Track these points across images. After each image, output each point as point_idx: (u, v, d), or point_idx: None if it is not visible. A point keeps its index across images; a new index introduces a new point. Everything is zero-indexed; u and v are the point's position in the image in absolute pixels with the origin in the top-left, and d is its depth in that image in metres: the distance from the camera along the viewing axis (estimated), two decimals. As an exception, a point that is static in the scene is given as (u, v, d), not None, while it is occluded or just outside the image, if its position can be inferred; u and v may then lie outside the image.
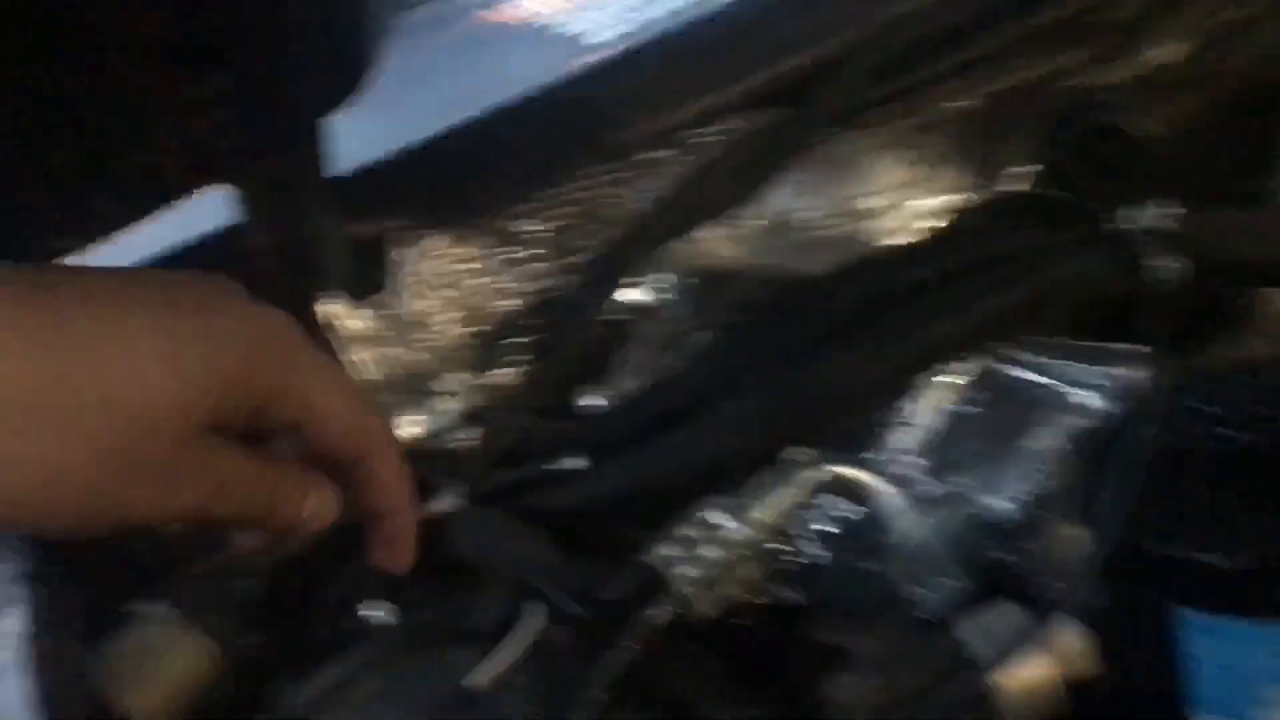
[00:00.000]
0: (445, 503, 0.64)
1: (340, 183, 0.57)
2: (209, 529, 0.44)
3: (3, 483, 0.35)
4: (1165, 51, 0.82)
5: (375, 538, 0.46)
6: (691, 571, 0.46)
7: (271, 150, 0.52)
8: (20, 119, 0.44)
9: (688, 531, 0.47)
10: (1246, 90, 0.88)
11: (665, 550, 0.46)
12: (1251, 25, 0.85)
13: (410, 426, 0.68)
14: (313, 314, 0.65)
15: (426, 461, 0.67)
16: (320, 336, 0.65)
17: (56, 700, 0.52)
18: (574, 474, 0.60)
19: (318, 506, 0.42)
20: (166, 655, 0.57)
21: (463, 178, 0.66)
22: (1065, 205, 0.61)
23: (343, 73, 0.52)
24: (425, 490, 0.65)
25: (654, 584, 0.45)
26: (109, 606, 0.58)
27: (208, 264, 0.63)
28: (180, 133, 0.49)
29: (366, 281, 0.58)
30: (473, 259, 0.70)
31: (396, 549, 0.46)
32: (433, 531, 0.61)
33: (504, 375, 0.71)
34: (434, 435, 0.69)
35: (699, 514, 0.47)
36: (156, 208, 0.51)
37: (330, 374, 0.42)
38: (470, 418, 0.69)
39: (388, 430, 0.45)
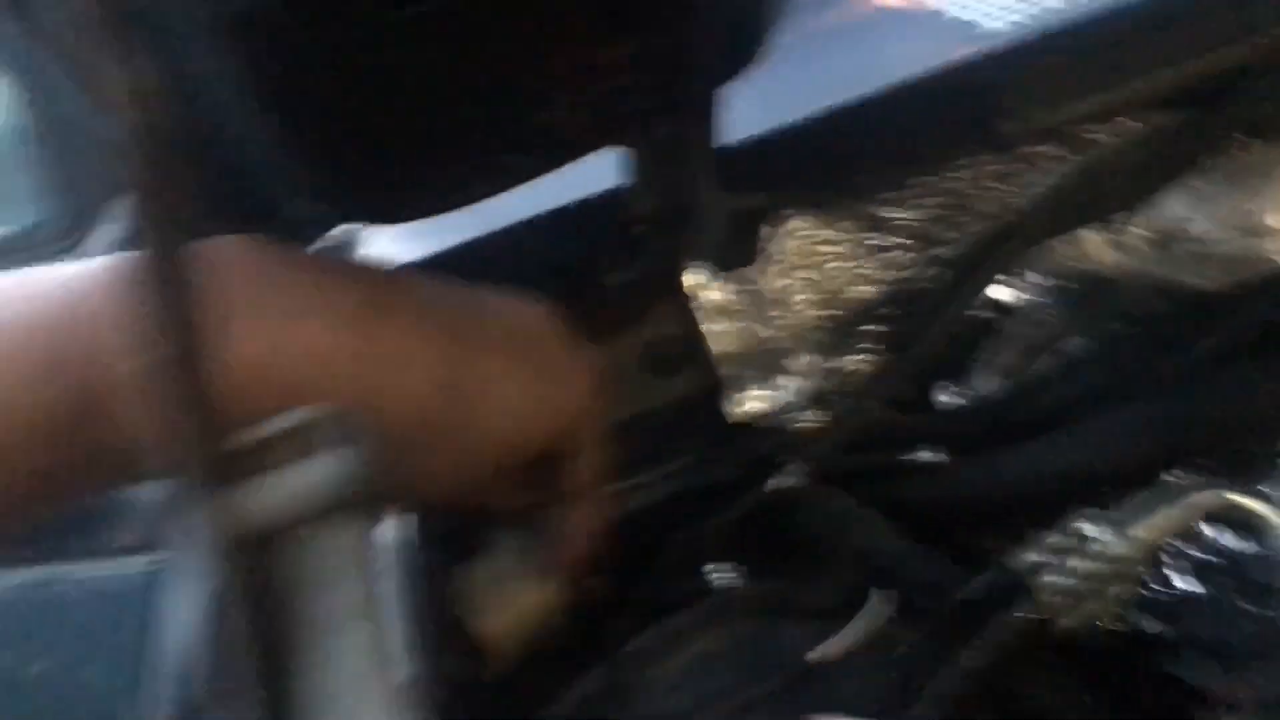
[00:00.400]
0: (789, 479, 0.64)
1: (723, 154, 0.58)
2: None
3: (407, 482, 0.45)
4: None
5: (557, 524, 0.54)
6: (1059, 581, 0.43)
7: (666, 116, 0.54)
8: (443, 78, 0.48)
9: (1058, 540, 0.44)
10: None
11: (1032, 556, 0.44)
12: None
13: (756, 402, 0.69)
14: (679, 283, 0.66)
15: (771, 437, 0.68)
16: (685, 305, 0.67)
17: (423, 613, 0.56)
18: (928, 468, 0.58)
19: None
20: (516, 586, 0.59)
21: (841, 159, 0.66)
22: None
23: (740, 44, 0.53)
24: (768, 465, 0.66)
25: (1016, 589, 0.43)
26: (466, 533, 0.62)
27: (591, 222, 0.66)
28: (584, 95, 0.51)
29: (736, 254, 0.59)
30: (836, 242, 0.70)
31: (576, 534, 0.54)
32: (777, 506, 0.62)
33: (856, 361, 0.70)
34: (780, 413, 0.69)
35: (1072, 523, 0.45)
36: (556, 165, 0.54)
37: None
38: (818, 400, 0.69)
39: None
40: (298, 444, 0.25)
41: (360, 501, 0.24)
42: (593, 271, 0.67)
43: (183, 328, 0.25)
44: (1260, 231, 0.74)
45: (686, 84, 0.52)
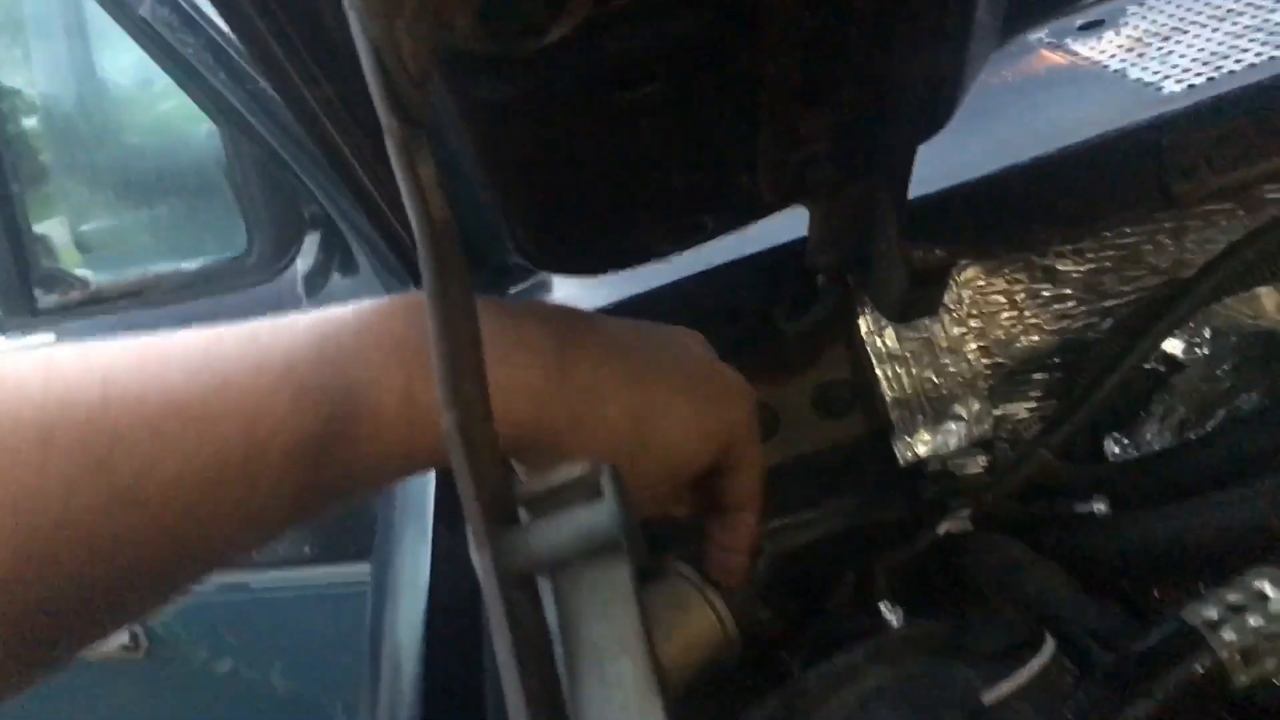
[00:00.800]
0: (954, 523, 0.66)
1: (907, 209, 0.61)
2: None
3: None
4: None
5: (718, 537, 0.58)
6: (1236, 638, 0.45)
7: (859, 178, 0.57)
8: (654, 151, 0.52)
9: (1237, 597, 0.46)
10: None
11: (1210, 612, 0.46)
12: None
13: (925, 446, 0.72)
14: (855, 328, 0.69)
15: (939, 481, 0.71)
16: (859, 350, 0.70)
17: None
18: (1096, 518, 0.60)
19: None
20: (690, 612, 0.63)
21: (1014, 213, 0.68)
22: None
23: (935, 109, 0.56)
24: (936, 509, 0.68)
25: (1191, 642, 0.45)
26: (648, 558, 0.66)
27: (770, 272, 0.70)
28: (784, 162, 0.55)
29: (917, 306, 0.62)
30: (1009, 293, 0.72)
31: (736, 545, 0.58)
32: (949, 548, 0.64)
33: (1025, 409, 0.72)
34: (946, 458, 0.72)
35: (1252, 581, 0.46)
36: (750, 222, 0.58)
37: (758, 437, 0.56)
38: (986, 446, 0.71)
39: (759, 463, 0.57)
40: (575, 491, 0.29)
41: (626, 543, 0.28)
42: (769, 319, 0.70)
43: (479, 382, 0.30)
44: None
45: (881, 149, 0.55)
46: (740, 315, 0.71)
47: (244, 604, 1.34)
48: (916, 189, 0.66)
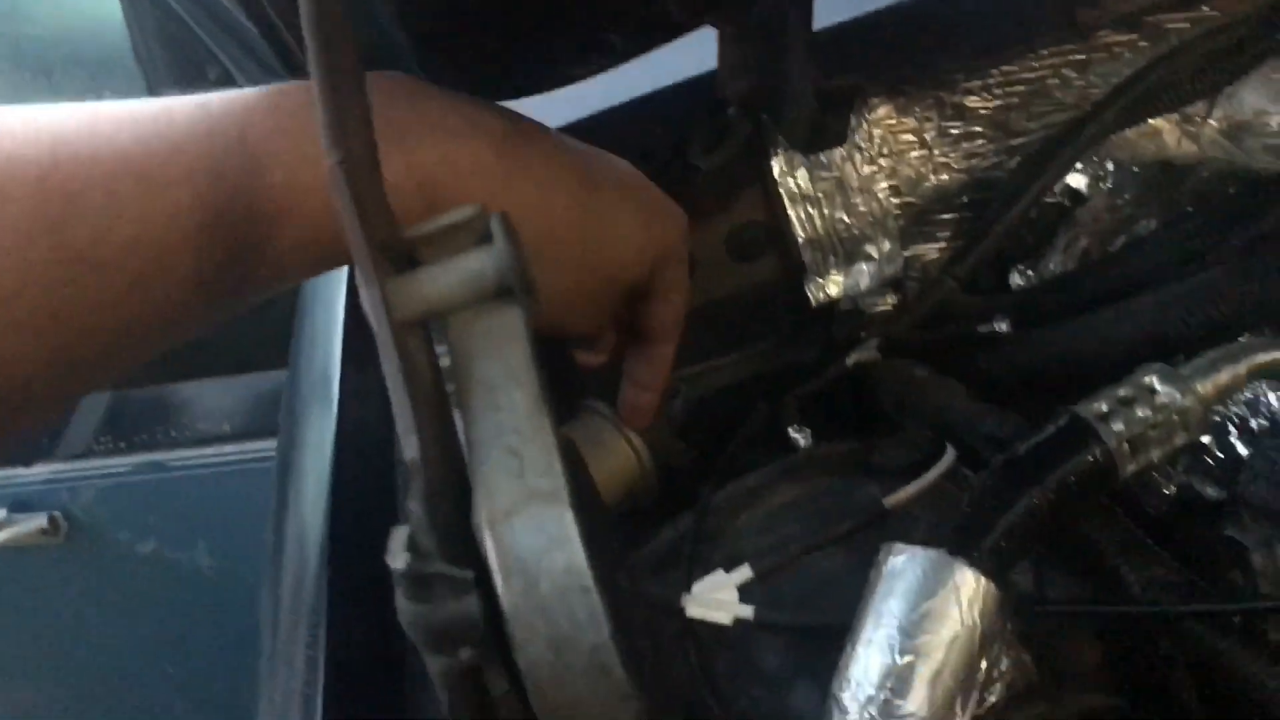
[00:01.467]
0: (862, 354, 0.67)
1: (816, 36, 0.61)
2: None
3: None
4: None
5: (635, 372, 0.60)
6: (1124, 429, 0.46)
7: (764, -3, 0.56)
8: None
9: (1124, 390, 0.47)
10: None
11: (1098, 405, 0.47)
12: None
13: (834, 286, 0.72)
14: (767, 169, 0.69)
15: (850, 319, 0.72)
16: (771, 192, 0.70)
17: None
18: (999, 338, 0.61)
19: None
20: (607, 448, 0.64)
21: (921, 47, 0.68)
22: None
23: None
24: (846, 342, 0.69)
25: (1083, 434, 0.46)
26: (566, 398, 0.66)
27: (682, 107, 0.69)
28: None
29: (826, 136, 0.62)
30: (918, 131, 0.72)
31: (652, 382, 0.60)
32: (856, 378, 0.65)
33: (935, 249, 0.73)
34: (856, 296, 0.72)
35: (1140, 377, 0.47)
36: (658, 44, 0.57)
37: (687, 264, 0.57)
38: (897, 285, 0.72)
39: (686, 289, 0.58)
40: (461, 237, 0.29)
41: (517, 286, 0.28)
42: (682, 155, 0.70)
43: (363, 129, 0.30)
44: (1340, 125, 0.75)
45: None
46: (652, 153, 0.70)
47: (165, 483, 1.33)
48: (824, 19, 0.66)
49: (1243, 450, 0.57)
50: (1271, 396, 0.55)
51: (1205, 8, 0.67)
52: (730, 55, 0.60)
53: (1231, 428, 0.57)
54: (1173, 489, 0.54)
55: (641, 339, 0.58)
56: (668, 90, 0.69)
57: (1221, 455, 0.58)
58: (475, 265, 0.29)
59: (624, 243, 0.52)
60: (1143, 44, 0.68)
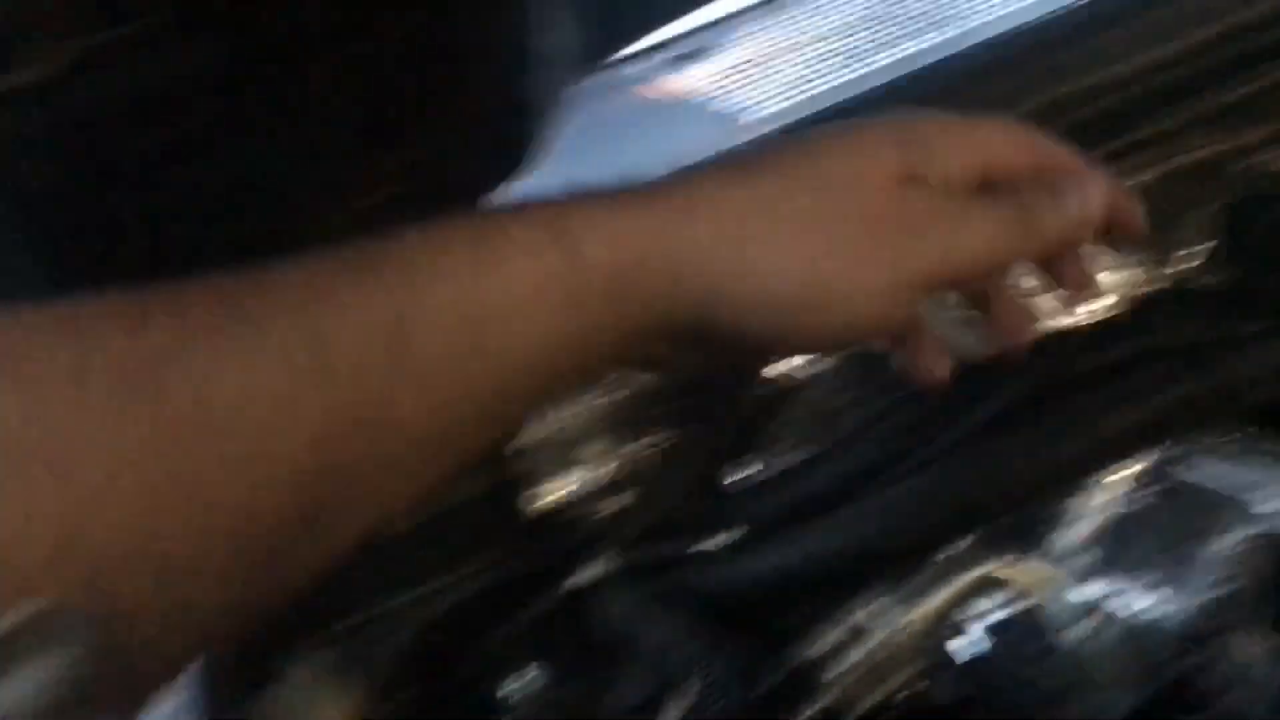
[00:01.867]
0: (590, 573, 0.64)
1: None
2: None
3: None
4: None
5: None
6: (847, 669, 0.44)
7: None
8: (217, 190, 0.46)
9: (844, 628, 0.45)
10: None
11: (821, 646, 0.45)
12: None
13: (551, 494, 0.69)
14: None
15: (569, 530, 0.68)
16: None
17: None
18: (724, 552, 0.59)
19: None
20: (313, 709, 0.57)
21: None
22: (1248, 294, 0.58)
23: (512, 148, 0.53)
24: (568, 561, 0.65)
25: (809, 680, 0.44)
26: (263, 659, 0.59)
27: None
28: (351, 207, 0.50)
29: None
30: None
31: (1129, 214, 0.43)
32: (579, 603, 0.62)
33: (649, 445, 0.71)
34: (576, 503, 0.69)
35: (856, 610, 0.46)
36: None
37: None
38: (615, 487, 0.69)
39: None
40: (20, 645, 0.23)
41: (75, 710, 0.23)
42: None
43: None
44: (1022, 294, 0.78)
45: (457, 194, 0.52)
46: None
47: None
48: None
49: (967, 653, 0.57)
50: (985, 599, 0.55)
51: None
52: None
53: (952, 630, 0.57)
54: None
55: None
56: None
57: (941, 661, 0.57)
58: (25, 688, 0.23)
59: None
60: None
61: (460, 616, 0.66)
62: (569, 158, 0.69)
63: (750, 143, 0.45)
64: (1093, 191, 0.40)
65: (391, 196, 0.50)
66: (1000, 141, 0.41)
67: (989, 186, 0.40)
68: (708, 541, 0.60)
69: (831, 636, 0.46)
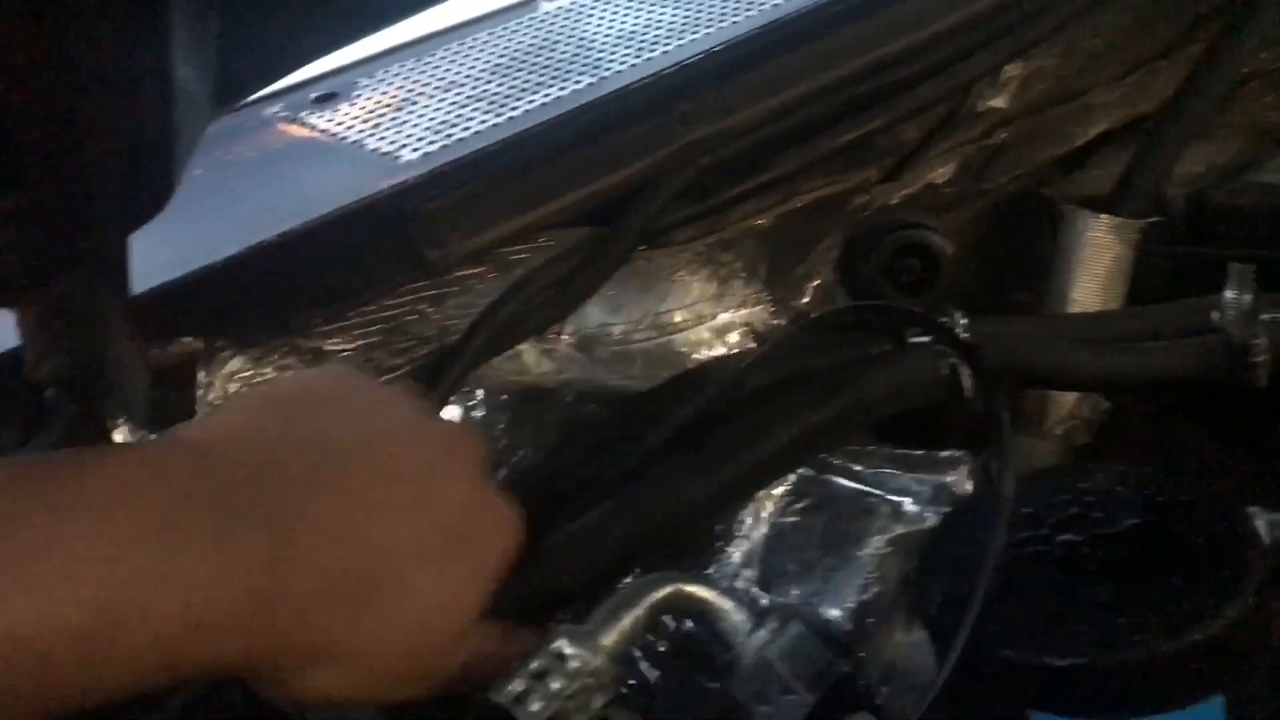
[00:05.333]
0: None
1: (138, 304, 0.54)
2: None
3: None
4: (938, 172, 0.89)
5: None
6: (540, 705, 0.44)
7: (65, 271, 0.48)
8: None
9: (537, 663, 0.45)
10: (1006, 206, 0.96)
11: (513, 686, 0.44)
12: (1007, 148, 0.93)
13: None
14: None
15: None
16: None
17: None
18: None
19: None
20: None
21: (270, 295, 0.63)
22: (876, 318, 0.64)
23: (145, 189, 0.49)
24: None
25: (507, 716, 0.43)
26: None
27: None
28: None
29: (168, 409, 0.54)
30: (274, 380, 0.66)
31: None
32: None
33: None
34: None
35: (549, 644, 0.45)
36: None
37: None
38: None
39: None
40: None
41: None
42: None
43: None
44: (666, 329, 0.82)
45: (83, 236, 0.47)
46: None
47: None
48: (157, 276, 0.59)
49: (650, 675, 0.58)
50: (669, 619, 0.57)
51: (542, 239, 0.70)
52: (34, 335, 0.51)
53: (639, 653, 0.58)
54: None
55: None
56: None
57: (634, 682, 0.58)
58: None
59: (426, 633, 0.43)
60: (491, 275, 0.69)
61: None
62: (204, 196, 0.65)
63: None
64: None
65: (4, 245, 0.45)
66: None
67: None
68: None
69: (522, 676, 0.44)
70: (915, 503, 0.56)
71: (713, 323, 0.84)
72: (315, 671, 0.40)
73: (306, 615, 0.39)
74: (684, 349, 0.83)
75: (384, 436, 0.44)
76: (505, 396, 0.69)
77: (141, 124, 0.45)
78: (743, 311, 0.85)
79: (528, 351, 0.74)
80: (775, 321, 0.86)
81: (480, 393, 0.70)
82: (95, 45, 0.40)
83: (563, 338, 0.77)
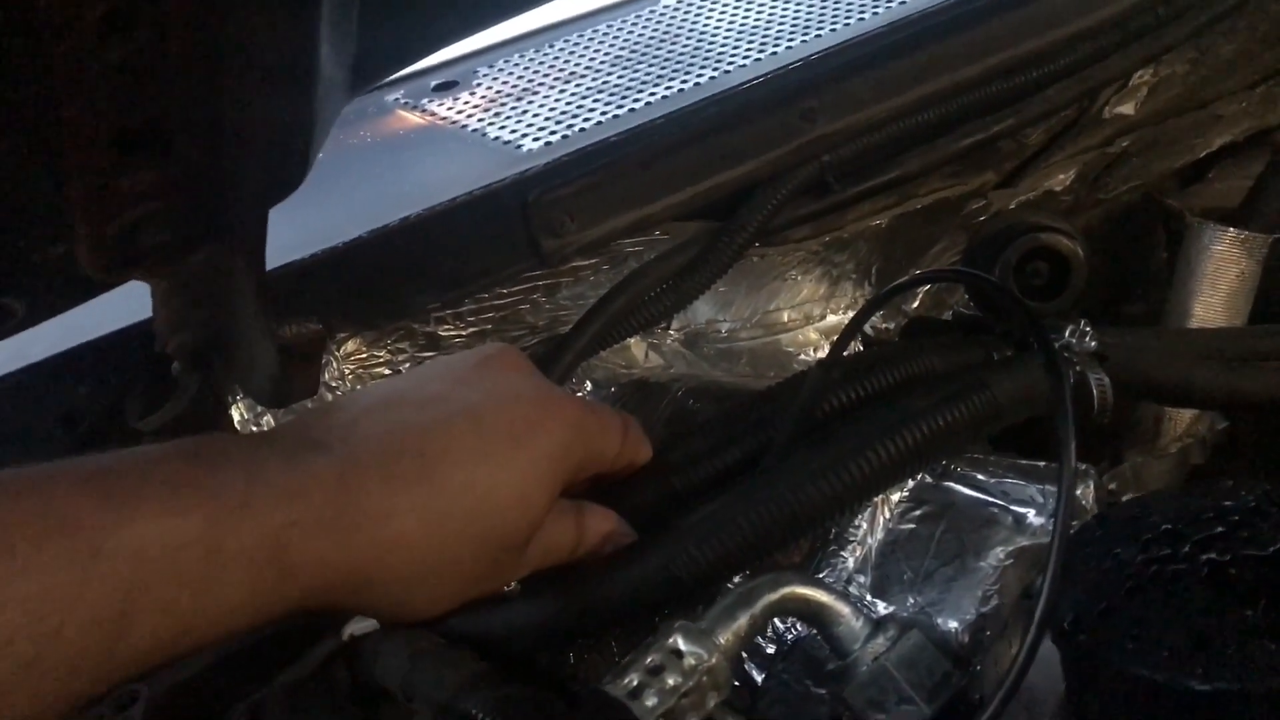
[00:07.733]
0: (361, 624, 0.60)
1: (267, 281, 0.54)
2: None
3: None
4: (1058, 178, 0.86)
5: None
6: (655, 701, 0.43)
7: (202, 245, 0.49)
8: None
9: (652, 658, 0.44)
10: (1120, 216, 0.94)
11: (628, 680, 0.44)
12: (1128, 157, 0.90)
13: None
14: (227, 421, 0.61)
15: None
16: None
17: None
18: (506, 596, 0.57)
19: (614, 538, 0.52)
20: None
21: (388, 279, 0.63)
22: (1000, 323, 0.62)
23: (283, 167, 0.49)
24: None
25: (615, 717, 0.42)
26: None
27: (113, 362, 0.59)
28: (105, 226, 0.45)
29: (293, 389, 0.54)
30: (388, 362, 0.67)
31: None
32: (348, 655, 0.57)
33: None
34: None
35: (665, 639, 0.45)
36: (74, 304, 0.48)
37: (614, 425, 0.52)
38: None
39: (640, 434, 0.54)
40: None
41: None
42: (118, 418, 0.59)
43: None
44: (774, 327, 0.81)
45: (224, 210, 0.47)
46: (78, 417, 0.59)
47: None
48: (280, 257, 0.59)
49: (757, 676, 0.57)
50: (778, 621, 0.56)
51: (660, 233, 0.69)
52: (166, 307, 0.51)
53: (744, 654, 0.57)
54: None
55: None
56: (98, 342, 0.58)
57: (738, 683, 0.57)
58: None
59: (502, 524, 0.47)
60: (605, 267, 0.69)
61: (220, 676, 0.60)
62: (334, 179, 0.66)
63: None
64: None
65: (148, 216, 0.46)
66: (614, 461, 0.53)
67: None
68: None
69: (637, 670, 0.44)
70: (1039, 514, 0.55)
71: (821, 324, 0.83)
72: (398, 576, 0.46)
73: (380, 513, 0.44)
74: (790, 349, 0.82)
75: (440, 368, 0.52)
76: (614, 389, 0.69)
77: (286, 105, 0.46)
78: (852, 314, 0.83)
79: (635, 345, 0.74)
80: (884, 325, 0.85)
81: (589, 384, 0.70)
82: (251, 31, 0.40)
83: (670, 333, 0.77)
